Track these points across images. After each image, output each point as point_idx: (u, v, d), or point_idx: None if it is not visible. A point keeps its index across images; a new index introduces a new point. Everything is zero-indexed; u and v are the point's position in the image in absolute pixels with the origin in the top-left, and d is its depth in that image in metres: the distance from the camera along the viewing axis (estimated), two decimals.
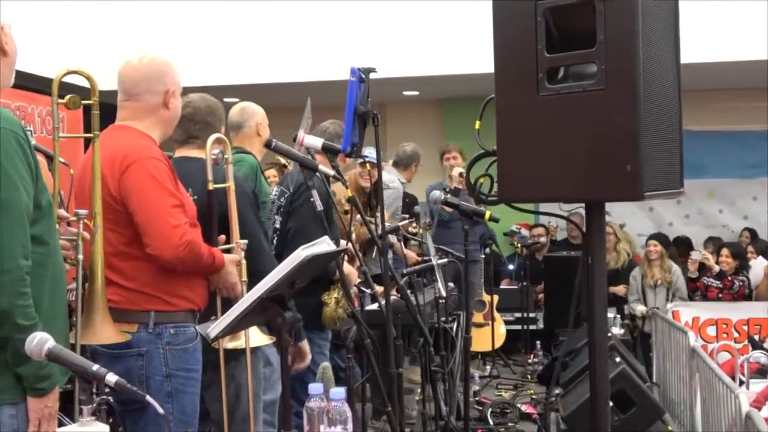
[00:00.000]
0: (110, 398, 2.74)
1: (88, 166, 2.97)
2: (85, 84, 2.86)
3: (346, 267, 4.15)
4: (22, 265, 2.29)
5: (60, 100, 2.75)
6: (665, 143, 2.40)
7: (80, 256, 2.74)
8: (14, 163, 2.30)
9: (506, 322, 8.13)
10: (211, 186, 3.28)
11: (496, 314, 7.86)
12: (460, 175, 6.78)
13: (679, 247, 9.11)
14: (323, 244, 2.61)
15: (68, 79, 2.81)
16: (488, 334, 7.63)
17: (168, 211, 2.93)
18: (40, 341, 2.07)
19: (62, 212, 2.74)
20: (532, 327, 8.42)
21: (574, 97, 2.31)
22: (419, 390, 5.00)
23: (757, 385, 5.99)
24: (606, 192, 2.33)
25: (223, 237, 3.28)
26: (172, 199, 2.97)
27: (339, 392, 2.49)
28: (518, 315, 8.39)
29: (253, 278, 3.24)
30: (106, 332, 2.79)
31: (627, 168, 2.21)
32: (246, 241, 3.26)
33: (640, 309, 8.33)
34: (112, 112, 3.11)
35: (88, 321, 2.77)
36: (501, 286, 9.10)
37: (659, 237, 8.72)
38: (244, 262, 3.23)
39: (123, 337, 2.86)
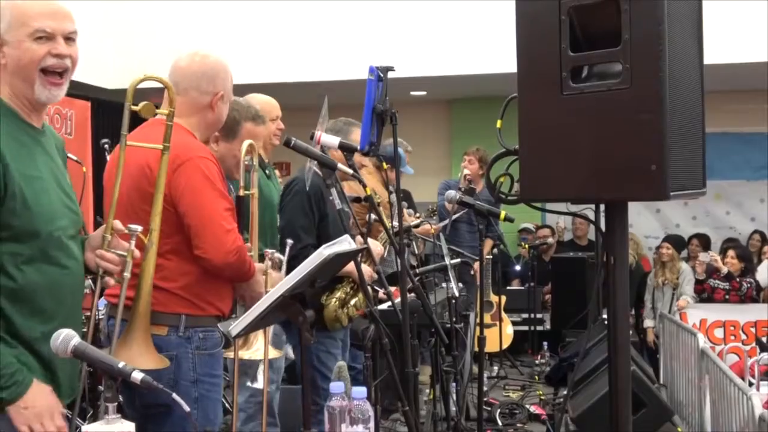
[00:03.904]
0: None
1: (114, 171, 2.73)
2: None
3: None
4: None
5: (134, 107, 2.60)
6: (689, 142, 2.38)
7: (127, 274, 2.53)
8: None
9: (513, 323, 8.15)
10: (242, 192, 3.20)
11: (504, 315, 7.86)
12: (465, 177, 6.87)
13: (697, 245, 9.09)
14: (344, 243, 2.60)
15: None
16: (496, 335, 7.63)
17: (221, 214, 2.84)
18: (65, 339, 2.01)
19: (117, 224, 2.53)
20: (539, 328, 8.43)
21: (599, 97, 2.29)
22: (428, 390, 4.98)
23: (766, 388, 5.97)
24: (631, 191, 2.30)
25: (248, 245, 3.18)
26: (224, 202, 2.89)
27: (361, 391, 2.48)
28: (525, 316, 8.40)
29: None
30: (144, 357, 2.59)
31: (652, 167, 2.19)
32: (273, 251, 3.22)
33: (647, 323, 8.35)
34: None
35: (126, 341, 2.60)
36: (508, 287, 9.10)
37: (673, 239, 8.70)
38: (271, 272, 3.13)
39: (162, 364, 2.65)
